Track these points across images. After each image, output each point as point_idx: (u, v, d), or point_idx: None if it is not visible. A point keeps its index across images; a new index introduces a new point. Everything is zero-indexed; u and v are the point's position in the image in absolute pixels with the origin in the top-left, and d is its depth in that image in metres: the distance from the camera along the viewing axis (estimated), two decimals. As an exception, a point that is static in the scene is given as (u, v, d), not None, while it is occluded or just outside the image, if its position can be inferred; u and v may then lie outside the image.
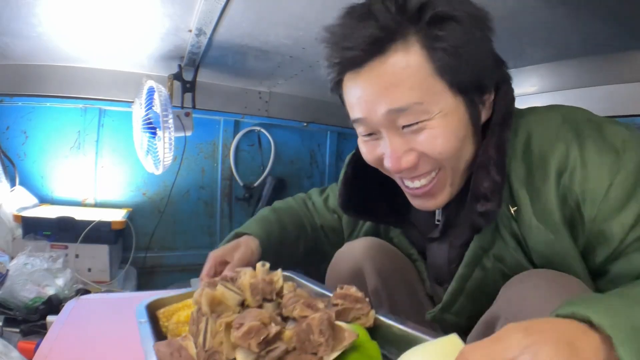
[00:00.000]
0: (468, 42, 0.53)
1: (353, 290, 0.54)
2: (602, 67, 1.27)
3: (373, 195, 0.74)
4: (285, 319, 0.51)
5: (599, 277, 0.55)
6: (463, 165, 0.60)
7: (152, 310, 0.58)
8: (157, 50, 1.49)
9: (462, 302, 0.66)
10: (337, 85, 0.61)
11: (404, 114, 0.55)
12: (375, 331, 0.53)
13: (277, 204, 0.96)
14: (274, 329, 0.44)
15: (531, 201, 0.57)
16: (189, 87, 1.68)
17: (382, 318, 0.53)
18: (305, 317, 0.46)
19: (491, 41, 0.57)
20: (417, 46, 0.53)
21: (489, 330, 0.54)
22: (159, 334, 0.56)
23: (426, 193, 0.61)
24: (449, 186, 0.61)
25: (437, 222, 0.71)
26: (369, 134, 0.61)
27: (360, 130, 0.62)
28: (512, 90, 0.62)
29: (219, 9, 1.08)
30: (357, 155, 0.70)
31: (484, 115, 0.61)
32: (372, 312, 0.53)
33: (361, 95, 0.57)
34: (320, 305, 0.52)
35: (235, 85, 1.96)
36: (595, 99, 1.32)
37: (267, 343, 0.43)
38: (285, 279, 0.64)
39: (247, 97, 2.01)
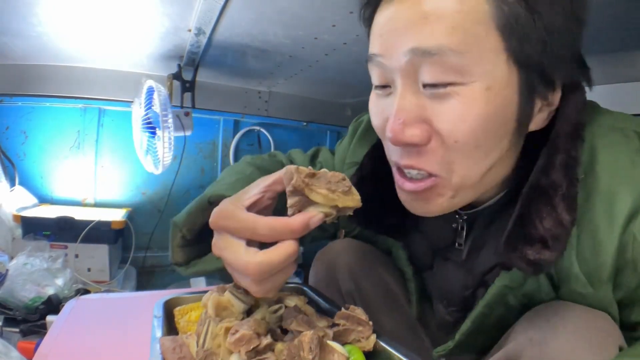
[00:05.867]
0: (552, 3, 0.39)
1: (358, 311, 0.54)
2: (602, 66, 1.27)
3: (384, 198, 0.58)
4: (286, 332, 0.52)
5: (623, 329, 0.47)
6: (483, 179, 0.44)
7: (170, 308, 0.61)
8: (157, 49, 1.48)
9: (476, 338, 0.55)
10: (369, 20, 0.47)
11: (431, 62, 0.39)
12: (374, 356, 0.52)
13: (256, 159, 0.71)
14: (265, 340, 0.45)
15: (578, 240, 0.43)
16: (189, 86, 1.68)
17: (383, 344, 0.52)
18: (300, 332, 0.47)
19: (580, 26, 0.43)
20: None
21: None
22: (172, 330, 0.58)
23: (417, 193, 0.45)
24: (449, 198, 0.45)
25: (457, 246, 0.57)
26: (382, 86, 0.45)
27: (373, 75, 0.46)
28: (584, 94, 0.47)
29: (219, 9, 1.08)
30: (376, 147, 0.60)
31: (535, 124, 0.44)
32: (373, 337, 0.52)
33: (386, 23, 0.42)
34: (320, 323, 0.52)
35: (234, 85, 1.96)
36: (594, 99, 1.32)
37: (257, 353, 0.44)
38: (298, 292, 0.64)
39: (247, 97, 2.01)
